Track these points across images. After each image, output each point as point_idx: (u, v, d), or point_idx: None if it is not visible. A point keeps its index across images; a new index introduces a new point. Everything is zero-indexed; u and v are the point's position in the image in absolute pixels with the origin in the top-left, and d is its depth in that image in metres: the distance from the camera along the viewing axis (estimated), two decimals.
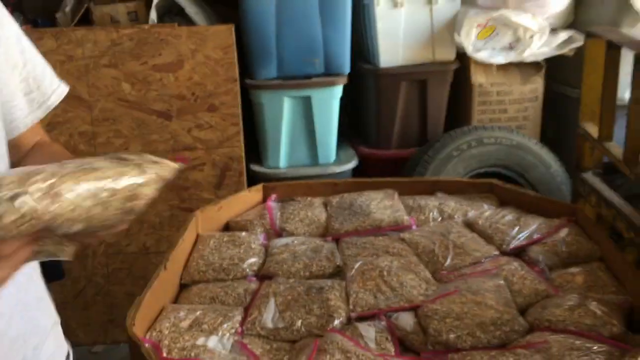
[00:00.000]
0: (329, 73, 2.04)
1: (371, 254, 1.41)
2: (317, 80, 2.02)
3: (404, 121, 2.18)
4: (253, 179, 2.10)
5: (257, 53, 1.99)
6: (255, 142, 2.17)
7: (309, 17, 1.94)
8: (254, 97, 2.06)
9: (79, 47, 1.87)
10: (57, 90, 0.92)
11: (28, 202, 0.54)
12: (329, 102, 2.06)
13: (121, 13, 1.99)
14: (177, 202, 2.07)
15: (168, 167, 0.69)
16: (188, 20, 2.02)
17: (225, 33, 1.93)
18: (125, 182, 0.63)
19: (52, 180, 0.56)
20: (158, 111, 1.99)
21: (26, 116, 0.88)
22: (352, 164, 2.16)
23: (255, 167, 2.14)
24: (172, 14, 2.07)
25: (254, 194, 1.73)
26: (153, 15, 1.94)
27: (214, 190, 2.06)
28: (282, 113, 2.05)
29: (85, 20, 2.03)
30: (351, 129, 2.31)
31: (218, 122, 2.01)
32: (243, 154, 2.05)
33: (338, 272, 1.38)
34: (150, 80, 1.94)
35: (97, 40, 1.88)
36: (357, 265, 1.34)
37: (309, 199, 1.69)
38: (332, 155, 2.16)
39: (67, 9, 2.04)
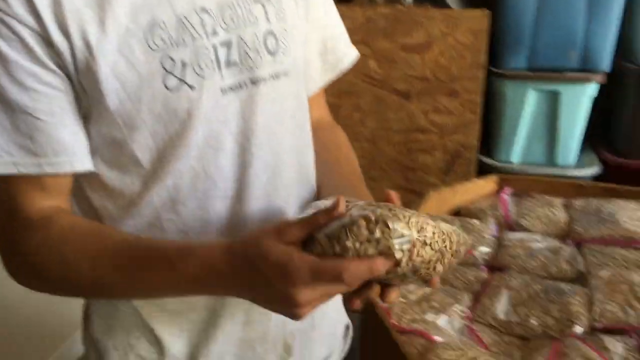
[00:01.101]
0: (585, 69, 1.88)
1: (619, 265, 1.28)
2: (570, 74, 1.88)
3: None
4: (482, 170, 2.04)
5: (509, 41, 1.91)
6: (488, 133, 2.10)
7: (573, 6, 1.81)
8: (497, 87, 1.98)
9: None
10: (349, 54, 0.93)
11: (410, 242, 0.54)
12: (579, 99, 1.91)
13: None
14: (402, 182, 2.10)
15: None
16: (440, 4, 2.01)
17: (480, 18, 1.89)
18: (457, 233, 0.60)
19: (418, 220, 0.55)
20: (398, 90, 2.02)
21: (319, 77, 0.89)
22: (593, 170, 1.99)
23: (486, 159, 2.08)
24: None
25: (488, 183, 1.68)
26: None
27: (442, 175, 2.05)
28: (525, 106, 1.96)
29: None
30: (597, 132, 2.12)
31: (456, 107, 1.98)
32: (477, 143, 2.00)
33: (578, 279, 1.28)
34: (397, 60, 1.98)
35: (354, 17, 1.95)
36: (603, 275, 1.23)
37: (547, 197, 1.59)
38: (573, 158, 2.01)
39: None
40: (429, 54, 1.94)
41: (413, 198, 2.01)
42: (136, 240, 0.68)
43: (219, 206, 0.72)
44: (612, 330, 1.09)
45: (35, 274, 0.68)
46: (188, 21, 0.67)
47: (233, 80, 0.70)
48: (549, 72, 1.90)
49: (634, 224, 1.41)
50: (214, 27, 0.68)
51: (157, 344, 0.75)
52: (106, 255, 0.66)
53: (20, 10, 0.61)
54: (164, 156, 0.68)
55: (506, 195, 1.60)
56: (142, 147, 0.68)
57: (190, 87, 0.67)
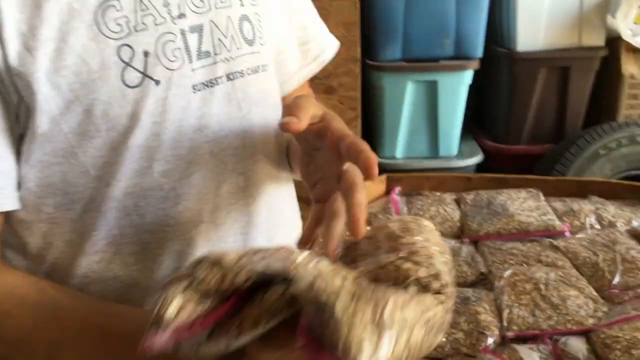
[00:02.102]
0: (459, 56, 1.84)
1: (520, 262, 1.21)
2: (445, 63, 1.83)
3: (538, 113, 1.95)
4: None
5: (382, 31, 1.83)
6: (370, 129, 2.01)
7: None
8: (374, 80, 1.90)
9: None
10: (332, 43, 0.83)
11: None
12: (456, 88, 1.87)
13: None
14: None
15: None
16: None
17: (349, 8, 1.78)
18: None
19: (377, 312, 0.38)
20: None
21: (299, 70, 0.78)
22: (476, 159, 1.97)
23: None
24: None
25: (377, 185, 1.57)
26: None
27: None
28: (404, 98, 1.89)
29: None
30: (475, 120, 2.10)
31: (335, 105, 1.87)
32: None
33: (481, 281, 1.20)
34: None
35: None
36: (506, 275, 1.15)
37: (438, 194, 1.51)
38: (455, 148, 1.98)
39: None
40: None
41: (301, 205, 1.87)
42: (96, 315, 0.51)
43: (192, 232, 0.59)
44: (525, 338, 1.01)
45: None
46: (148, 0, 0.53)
47: (206, 75, 0.57)
48: (425, 61, 1.84)
49: (527, 214, 1.35)
50: (180, 8, 0.55)
51: None
52: (67, 342, 0.49)
53: None
54: (120, 172, 0.53)
55: (396, 196, 1.50)
56: (97, 162, 0.53)
57: (156, 82, 0.53)
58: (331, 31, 1.85)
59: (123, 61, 0.51)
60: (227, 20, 0.59)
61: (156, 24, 0.53)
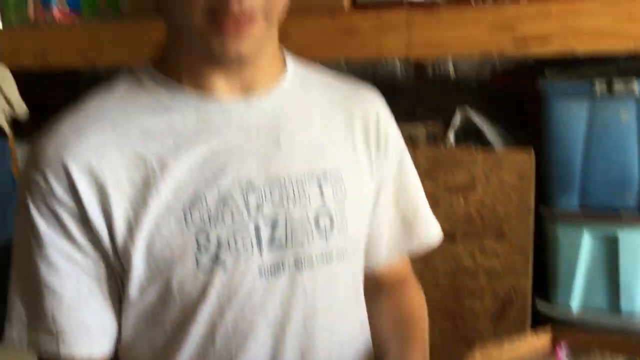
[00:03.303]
0: None
1: None
2: (627, 217, 1.76)
3: None
4: (537, 316, 1.88)
5: (558, 181, 1.83)
6: (543, 276, 1.96)
7: (624, 145, 1.73)
8: (549, 228, 1.88)
9: None
10: (436, 230, 0.89)
11: None
12: None
13: (420, 133, 2.05)
14: (450, 328, 1.96)
15: None
16: (484, 142, 1.98)
17: (524, 159, 1.84)
18: None
19: None
20: (443, 231, 1.94)
21: (396, 245, 0.85)
22: None
23: (542, 304, 1.92)
24: (469, 135, 2.06)
25: (540, 336, 1.53)
26: (451, 137, 1.95)
27: (492, 322, 1.90)
28: (580, 250, 1.82)
29: None
30: None
31: (505, 250, 1.88)
32: (530, 289, 1.86)
33: None
34: (440, 201, 1.92)
35: None
36: None
37: (609, 355, 1.42)
38: (638, 305, 1.83)
39: None
40: (472, 195, 1.88)
41: (461, 344, 1.86)
42: None
43: None
44: None
45: None
46: (231, 196, 0.64)
47: (274, 262, 0.65)
48: (605, 211, 1.78)
49: None
50: (259, 203, 0.65)
51: None
52: None
53: (60, 191, 0.60)
54: (188, 334, 0.64)
55: (562, 353, 1.45)
56: (173, 324, 0.65)
57: (224, 268, 0.63)
58: (504, 180, 1.91)
59: (199, 248, 0.62)
60: (304, 214, 0.67)
61: (233, 217, 0.63)
